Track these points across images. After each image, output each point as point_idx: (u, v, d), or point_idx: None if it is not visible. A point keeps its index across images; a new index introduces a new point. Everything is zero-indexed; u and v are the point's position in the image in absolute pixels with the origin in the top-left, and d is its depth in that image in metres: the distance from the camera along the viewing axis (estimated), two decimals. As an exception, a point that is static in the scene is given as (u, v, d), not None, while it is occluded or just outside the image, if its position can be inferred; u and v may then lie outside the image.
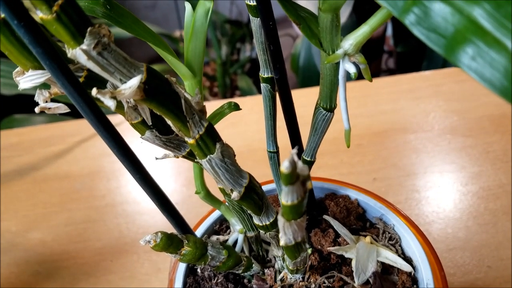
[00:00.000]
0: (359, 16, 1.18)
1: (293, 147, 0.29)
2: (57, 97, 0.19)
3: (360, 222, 0.32)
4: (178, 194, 0.58)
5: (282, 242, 0.20)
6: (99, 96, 0.15)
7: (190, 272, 0.30)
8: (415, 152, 0.59)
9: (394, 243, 0.30)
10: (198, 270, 0.30)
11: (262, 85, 0.27)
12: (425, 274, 0.27)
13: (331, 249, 0.28)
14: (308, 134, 0.27)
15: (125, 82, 0.15)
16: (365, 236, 0.30)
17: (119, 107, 0.21)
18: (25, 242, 0.54)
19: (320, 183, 0.34)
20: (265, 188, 0.34)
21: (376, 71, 1.56)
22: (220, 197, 0.29)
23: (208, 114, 0.24)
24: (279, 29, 0.23)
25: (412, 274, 0.28)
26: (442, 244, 0.47)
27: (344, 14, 1.13)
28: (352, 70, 0.21)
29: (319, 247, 0.30)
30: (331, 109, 0.25)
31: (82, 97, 0.16)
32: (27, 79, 0.17)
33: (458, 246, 0.46)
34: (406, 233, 0.30)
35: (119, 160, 0.19)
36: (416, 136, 0.62)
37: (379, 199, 0.32)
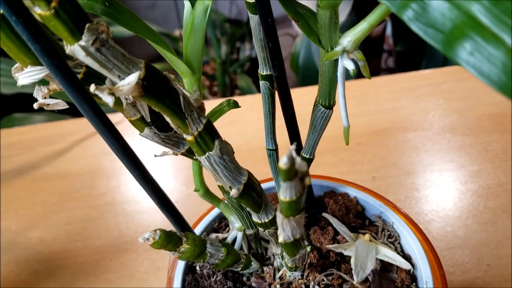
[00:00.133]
0: (359, 14, 1.18)
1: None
2: (56, 94, 0.19)
3: (359, 220, 0.32)
4: (177, 193, 0.58)
5: (280, 239, 0.20)
6: (97, 92, 0.15)
7: (189, 270, 0.30)
8: (414, 151, 0.59)
9: (393, 241, 0.30)
10: (197, 268, 0.30)
11: (261, 82, 0.27)
12: (424, 272, 0.27)
13: (330, 246, 0.28)
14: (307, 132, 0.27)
15: (124, 79, 0.15)
16: (364, 234, 0.30)
17: (118, 104, 0.21)
18: (25, 241, 0.54)
19: (319, 181, 0.34)
20: (264, 186, 0.34)
21: (376, 70, 1.55)
22: (219, 195, 0.29)
23: (207, 113, 0.24)
24: (279, 28, 0.23)
25: (411, 272, 0.28)
26: (442, 242, 0.47)
27: (344, 12, 1.13)
28: (350, 66, 0.21)
29: (318, 244, 0.30)
30: (330, 106, 0.25)
31: (80, 93, 0.16)
32: (26, 75, 0.17)
33: (458, 245, 0.46)
34: (405, 231, 0.30)
35: (117, 157, 0.19)
36: (416, 135, 0.62)
37: (378, 197, 0.32)
